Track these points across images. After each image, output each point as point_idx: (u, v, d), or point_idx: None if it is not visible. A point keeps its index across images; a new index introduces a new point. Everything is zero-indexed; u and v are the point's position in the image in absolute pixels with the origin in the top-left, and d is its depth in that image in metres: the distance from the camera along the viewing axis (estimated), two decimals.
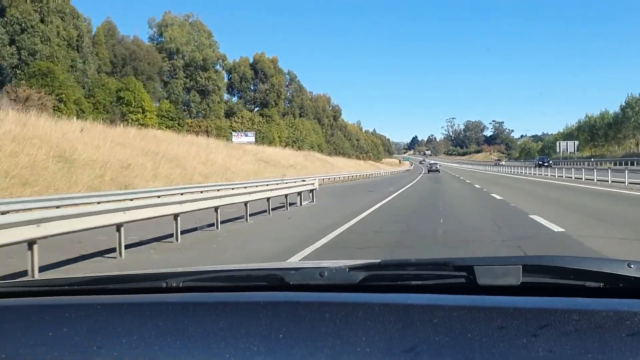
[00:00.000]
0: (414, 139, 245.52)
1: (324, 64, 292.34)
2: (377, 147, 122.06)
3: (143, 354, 0.82)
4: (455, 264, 1.05)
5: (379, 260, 1.12)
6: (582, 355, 0.72)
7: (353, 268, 1.09)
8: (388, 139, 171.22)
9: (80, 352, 0.84)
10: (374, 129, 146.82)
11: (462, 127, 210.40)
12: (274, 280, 1.11)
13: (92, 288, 1.21)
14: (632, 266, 0.95)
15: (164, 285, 1.12)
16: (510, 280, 0.96)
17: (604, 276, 0.95)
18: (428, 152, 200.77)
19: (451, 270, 1.04)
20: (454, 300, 0.90)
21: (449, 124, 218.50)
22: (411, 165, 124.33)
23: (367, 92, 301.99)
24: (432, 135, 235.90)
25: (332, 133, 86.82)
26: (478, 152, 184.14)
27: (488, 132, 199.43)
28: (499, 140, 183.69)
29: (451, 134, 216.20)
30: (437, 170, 63.95)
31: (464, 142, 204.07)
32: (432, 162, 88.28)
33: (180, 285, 1.12)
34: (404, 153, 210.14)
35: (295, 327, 0.86)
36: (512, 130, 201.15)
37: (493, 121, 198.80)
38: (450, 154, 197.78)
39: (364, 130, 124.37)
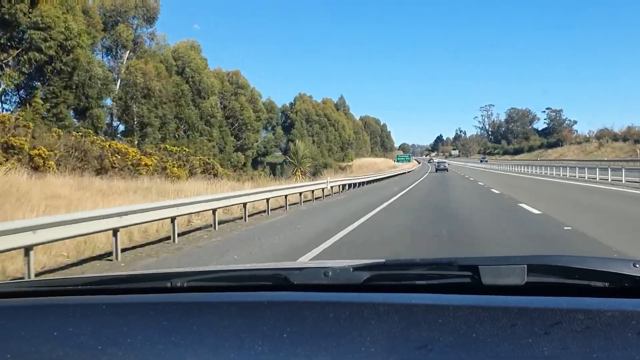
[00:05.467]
0: (438, 138, 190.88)
1: (337, 75, 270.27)
2: (338, 129, 68.41)
3: (148, 353, 0.82)
4: (459, 263, 1.04)
5: (383, 260, 1.12)
6: (588, 354, 0.72)
7: (357, 268, 1.08)
8: (384, 124, 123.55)
9: (85, 351, 0.85)
10: (345, 100, 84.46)
11: (503, 117, 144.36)
12: (278, 280, 1.12)
13: (97, 288, 1.21)
14: (637, 266, 0.95)
15: (169, 285, 1.13)
16: (515, 280, 0.96)
17: (609, 276, 0.95)
18: (455, 153, 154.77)
19: (456, 270, 1.04)
20: (458, 300, 0.90)
21: (485, 113, 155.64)
22: (419, 163, 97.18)
23: (387, 100, 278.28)
24: (460, 130, 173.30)
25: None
26: (552, 145, 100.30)
27: (539, 125, 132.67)
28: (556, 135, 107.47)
29: (487, 126, 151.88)
30: (446, 169, 53.73)
31: (506, 136, 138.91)
32: (438, 160, 79.59)
33: (185, 285, 1.12)
34: (427, 155, 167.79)
35: (299, 327, 0.86)
36: (575, 122, 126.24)
37: (547, 109, 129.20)
38: (492, 153, 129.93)
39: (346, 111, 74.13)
